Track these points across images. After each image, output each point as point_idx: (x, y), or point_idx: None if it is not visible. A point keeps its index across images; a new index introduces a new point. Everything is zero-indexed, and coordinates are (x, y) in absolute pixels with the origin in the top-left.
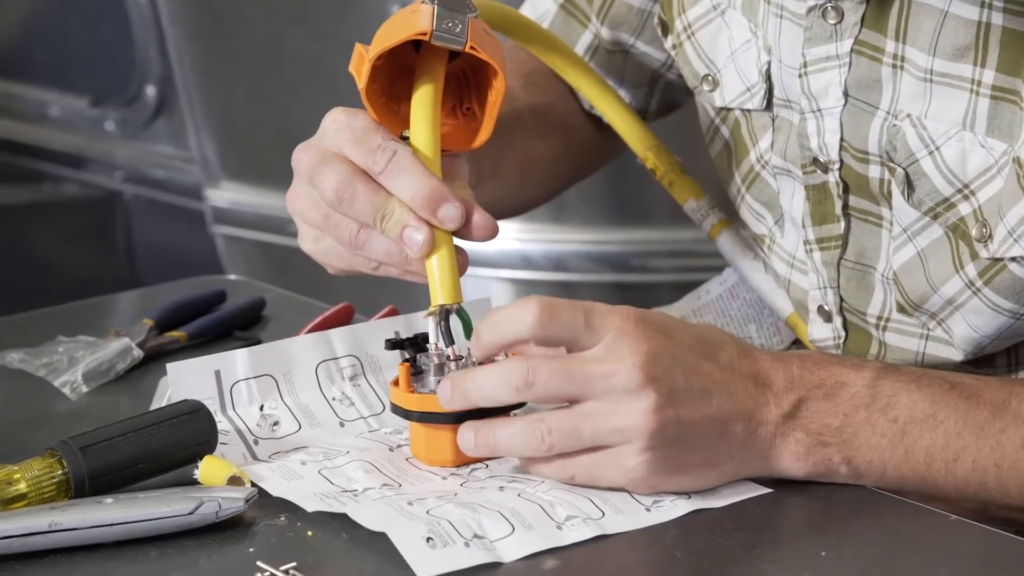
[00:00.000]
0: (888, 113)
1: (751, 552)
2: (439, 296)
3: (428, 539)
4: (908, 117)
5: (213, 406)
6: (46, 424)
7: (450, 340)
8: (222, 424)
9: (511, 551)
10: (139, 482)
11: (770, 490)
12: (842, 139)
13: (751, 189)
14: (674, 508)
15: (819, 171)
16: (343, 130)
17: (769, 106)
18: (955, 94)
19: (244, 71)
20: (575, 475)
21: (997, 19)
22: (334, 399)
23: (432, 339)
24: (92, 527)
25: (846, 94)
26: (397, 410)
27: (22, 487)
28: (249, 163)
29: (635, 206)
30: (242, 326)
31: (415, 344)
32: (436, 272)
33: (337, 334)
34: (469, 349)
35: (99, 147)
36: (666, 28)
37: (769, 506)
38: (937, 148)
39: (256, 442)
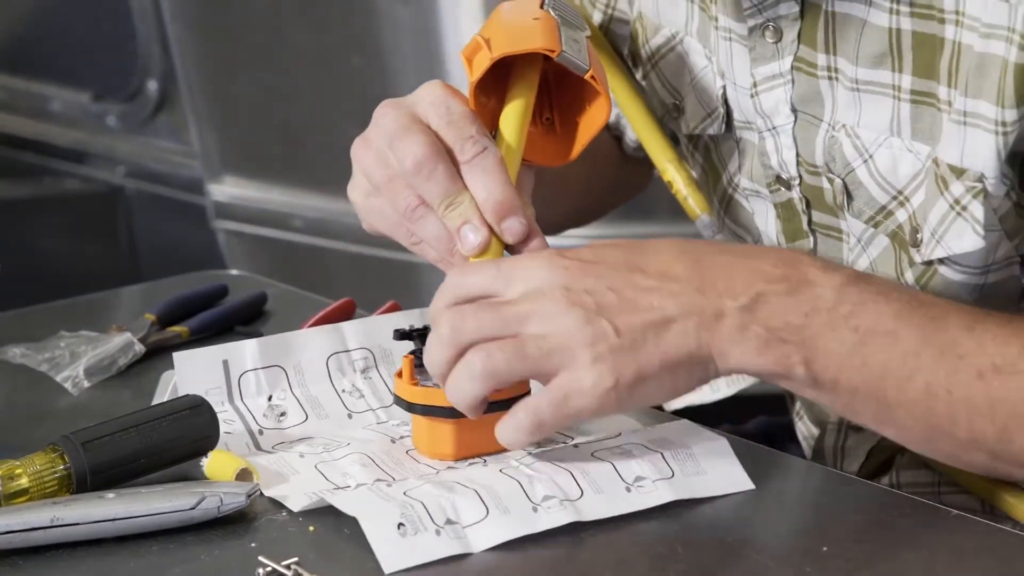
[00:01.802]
0: (828, 125)
1: (753, 547)
2: None
3: (400, 525)
4: (844, 127)
5: (220, 395)
6: (48, 419)
7: None
8: (227, 413)
9: (483, 539)
10: (141, 477)
11: (753, 486)
12: (798, 154)
13: (728, 212)
14: (655, 493)
15: (783, 188)
16: (439, 106)
17: (729, 129)
18: (880, 101)
19: (246, 66)
20: (545, 418)
21: (906, 24)
22: (344, 391)
23: None
24: (94, 522)
25: (794, 110)
26: (400, 402)
27: (24, 482)
28: (251, 158)
29: (637, 200)
30: (244, 321)
31: (423, 336)
32: None
33: (350, 327)
34: None
35: (101, 142)
36: (636, 60)
37: (770, 502)
38: (870, 156)
39: (260, 432)
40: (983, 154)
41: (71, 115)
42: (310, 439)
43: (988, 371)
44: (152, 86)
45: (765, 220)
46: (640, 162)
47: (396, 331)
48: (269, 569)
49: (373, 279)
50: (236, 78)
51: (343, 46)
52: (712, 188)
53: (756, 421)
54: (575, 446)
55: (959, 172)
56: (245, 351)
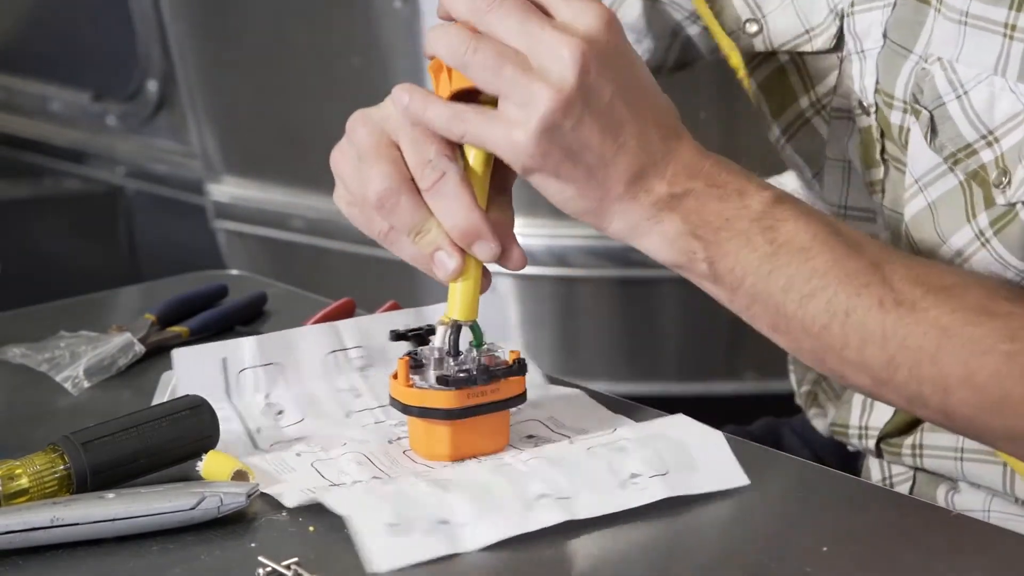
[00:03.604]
0: (920, 57)
1: (752, 547)
2: (456, 312)
3: (391, 524)
4: (939, 61)
5: (218, 393)
6: (48, 419)
7: (456, 352)
8: (225, 411)
9: (475, 539)
10: (141, 477)
11: (747, 481)
12: (877, 82)
13: (794, 139)
14: (649, 490)
15: (864, 114)
16: (405, 123)
17: (838, 47)
18: (988, 38)
19: (246, 65)
20: (466, 132)
21: None
22: (341, 389)
23: (438, 342)
24: (94, 522)
25: (885, 35)
26: (395, 404)
27: (24, 482)
28: (251, 158)
29: None
30: (244, 321)
31: (419, 336)
32: (459, 291)
33: (347, 325)
34: (474, 358)
35: (100, 142)
36: None
37: (770, 502)
38: (965, 92)
39: (258, 430)
40: None
41: (71, 115)
42: (307, 438)
43: (889, 303)
44: (152, 86)
45: (844, 144)
46: None
47: (392, 332)
48: (269, 569)
49: (373, 279)
50: (236, 78)
51: (343, 46)
52: (775, 112)
53: (761, 423)
54: (570, 442)
55: None
56: (244, 348)
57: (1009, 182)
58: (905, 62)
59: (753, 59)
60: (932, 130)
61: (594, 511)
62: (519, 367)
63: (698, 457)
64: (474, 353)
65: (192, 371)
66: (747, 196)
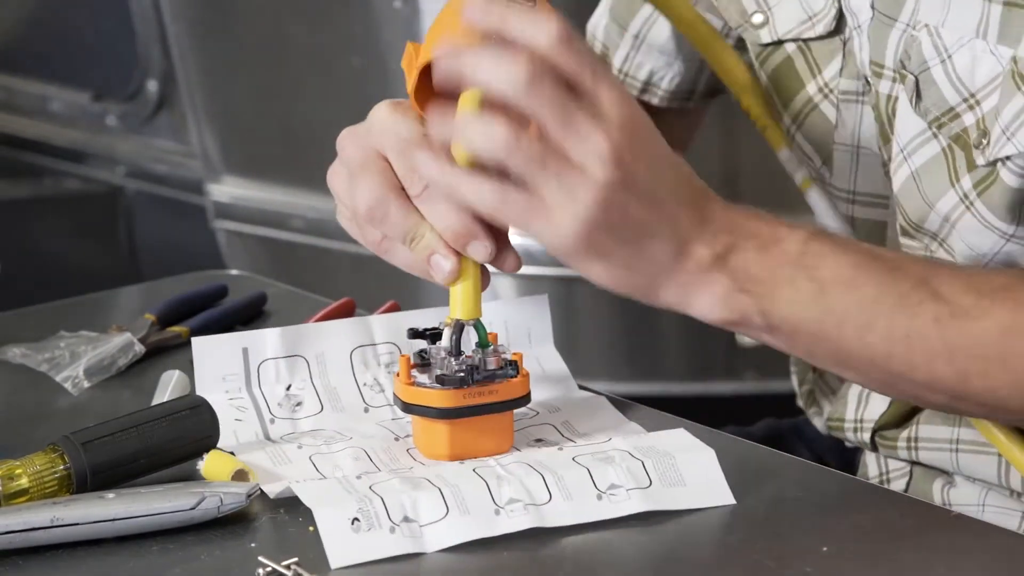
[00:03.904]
0: (907, 25)
1: (752, 547)
2: (458, 312)
3: (354, 520)
4: (926, 27)
5: (238, 382)
6: (48, 419)
7: (458, 352)
8: (242, 401)
9: (438, 539)
10: (141, 477)
11: (734, 501)
12: (870, 54)
13: (803, 127)
14: (627, 503)
15: (871, 89)
16: (388, 134)
17: (838, 29)
18: (970, 2)
19: (246, 65)
20: (508, 213)
21: None
22: (365, 384)
23: (444, 342)
24: (94, 522)
25: (872, 7)
26: (396, 401)
27: (24, 482)
28: (251, 158)
29: None
30: (244, 321)
31: (436, 335)
32: (459, 291)
33: (377, 320)
34: (480, 358)
35: (100, 142)
36: None
37: (769, 502)
38: (949, 56)
39: (272, 421)
40: None
41: (71, 115)
42: (316, 431)
43: (945, 317)
44: (152, 86)
45: (855, 127)
46: (679, 113)
47: (410, 330)
48: (269, 569)
49: (373, 279)
50: (236, 77)
51: (343, 46)
52: (783, 104)
53: (763, 424)
54: (560, 449)
55: None
56: (266, 340)
57: (989, 142)
58: (892, 31)
59: (764, 48)
60: (917, 95)
61: (564, 520)
62: (512, 368)
63: (685, 473)
64: (480, 353)
65: (211, 359)
66: (782, 241)
